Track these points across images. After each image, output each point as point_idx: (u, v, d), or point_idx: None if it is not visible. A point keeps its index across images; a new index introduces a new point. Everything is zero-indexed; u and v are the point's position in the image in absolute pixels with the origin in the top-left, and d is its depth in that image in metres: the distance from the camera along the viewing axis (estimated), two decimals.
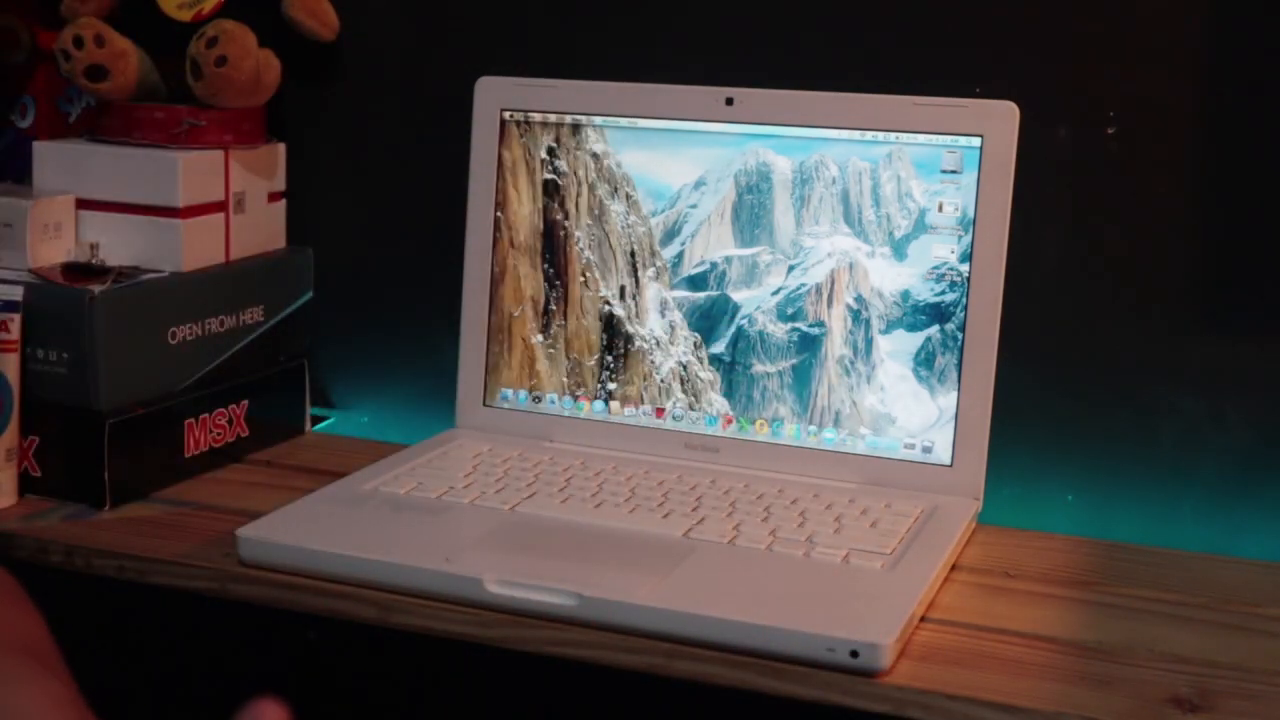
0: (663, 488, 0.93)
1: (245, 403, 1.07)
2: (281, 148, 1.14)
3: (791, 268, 0.98)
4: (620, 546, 0.84)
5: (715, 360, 0.99)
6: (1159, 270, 0.98)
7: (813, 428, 0.97)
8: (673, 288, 1.00)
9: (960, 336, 0.93)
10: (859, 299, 0.96)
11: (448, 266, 1.06)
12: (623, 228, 1.01)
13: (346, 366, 1.19)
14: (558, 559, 0.82)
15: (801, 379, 0.97)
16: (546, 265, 1.03)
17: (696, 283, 1.00)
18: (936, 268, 0.94)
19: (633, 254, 1.01)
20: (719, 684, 0.74)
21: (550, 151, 1.03)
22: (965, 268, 0.93)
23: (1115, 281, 0.99)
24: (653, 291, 1.01)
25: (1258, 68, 0.95)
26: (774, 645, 0.73)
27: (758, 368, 0.98)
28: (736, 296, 0.99)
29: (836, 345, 0.97)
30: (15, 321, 0.93)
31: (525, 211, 1.03)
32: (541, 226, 1.03)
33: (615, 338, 1.02)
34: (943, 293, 0.94)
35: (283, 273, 1.13)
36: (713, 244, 1.00)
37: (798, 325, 0.98)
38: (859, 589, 0.79)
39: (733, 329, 0.99)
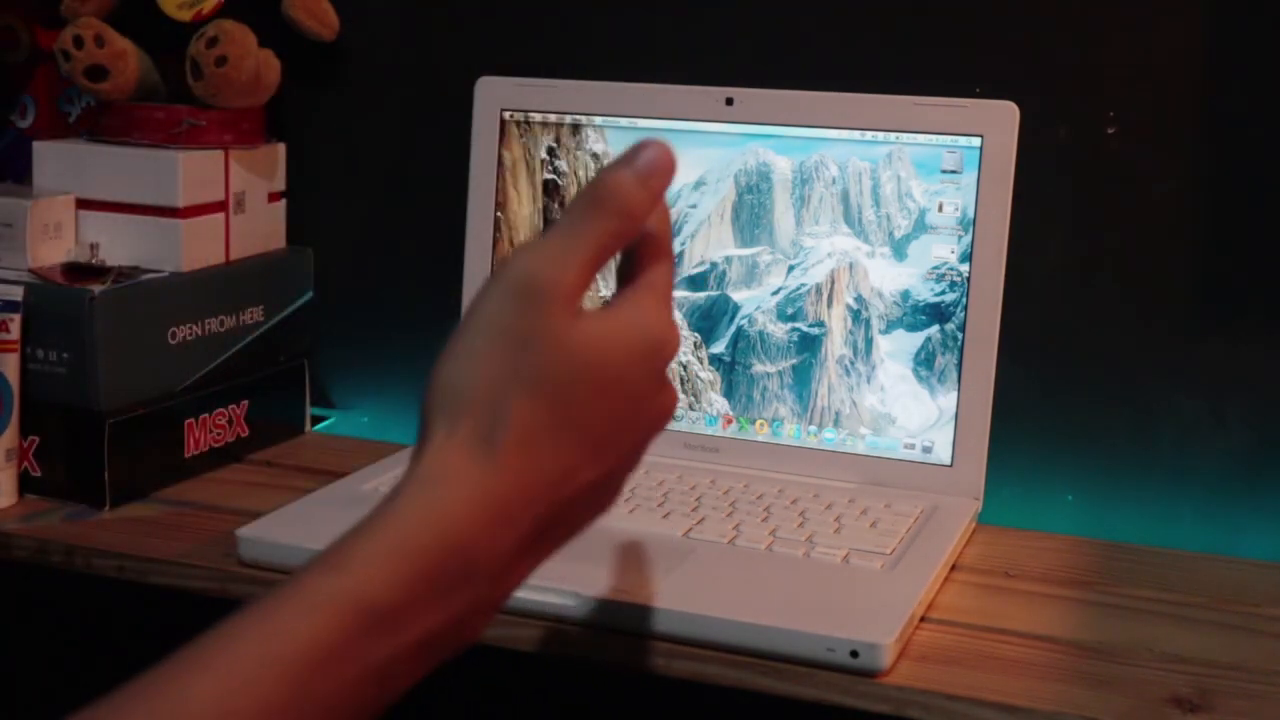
0: (663, 488, 0.93)
1: (245, 403, 1.07)
2: (281, 148, 1.14)
3: (791, 268, 0.98)
4: (620, 546, 0.84)
5: (715, 360, 0.99)
6: (1159, 270, 0.98)
7: (813, 428, 0.97)
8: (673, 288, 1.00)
9: (960, 336, 0.93)
10: (859, 299, 0.96)
11: (448, 266, 1.06)
12: None
13: (346, 366, 1.19)
14: (558, 559, 0.82)
15: (801, 379, 0.97)
16: None
17: (696, 283, 1.00)
18: (936, 268, 0.94)
19: None
20: (719, 684, 0.74)
21: (550, 151, 1.03)
22: (965, 268, 0.93)
23: (1115, 281, 0.99)
24: None
25: (1258, 68, 0.95)
26: (774, 645, 0.73)
27: (758, 368, 0.98)
28: (736, 296, 0.99)
29: (836, 345, 0.97)
30: (15, 321, 0.93)
31: (525, 211, 1.03)
32: (541, 226, 1.03)
33: None
34: (943, 293, 0.94)
35: (283, 273, 1.13)
36: (713, 244, 1.00)
37: (798, 325, 0.98)
38: (859, 589, 0.79)
39: (733, 329, 0.99)
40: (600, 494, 0.58)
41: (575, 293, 0.56)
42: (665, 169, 0.58)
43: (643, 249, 0.61)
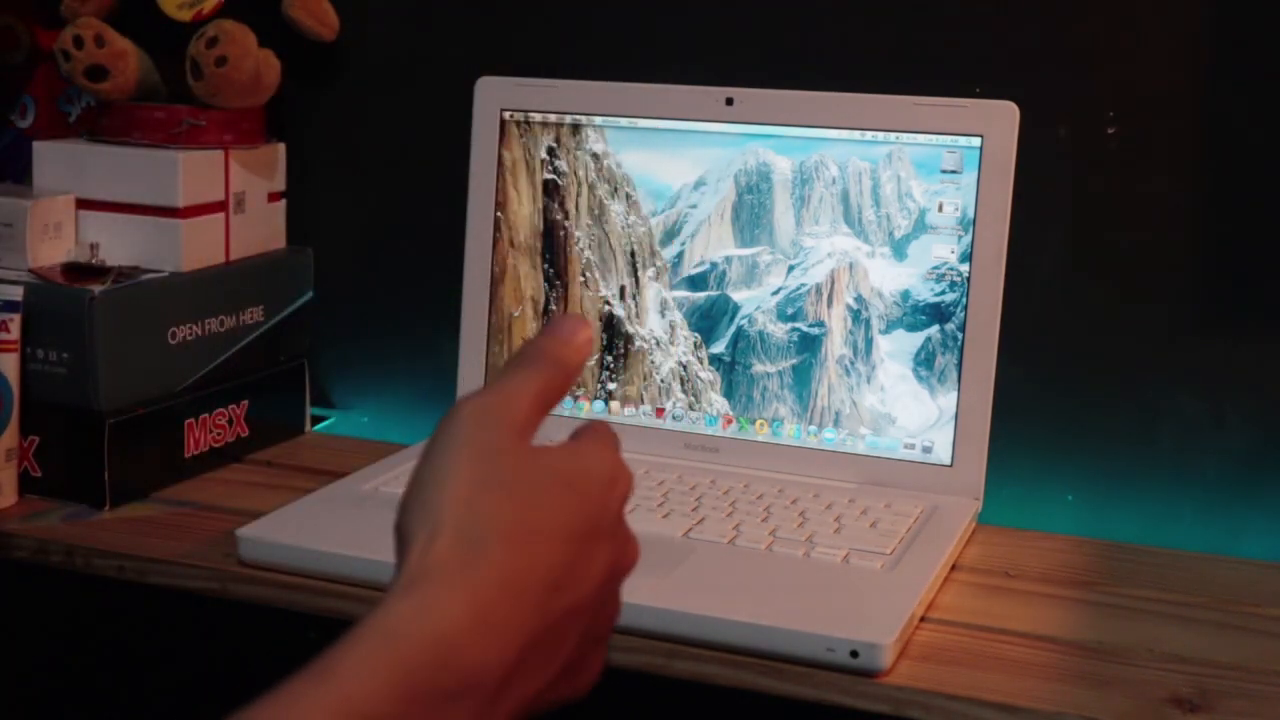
0: (663, 488, 0.93)
1: (245, 403, 1.07)
2: (281, 148, 1.14)
3: (791, 268, 0.98)
4: None
5: (715, 360, 0.99)
6: (1159, 270, 0.98)
7: (813, 428, 0.97)
8: (673, 288, 1.00)
9: (960, 336, 0.93)
10: (859, 299, 0.96)
11: (448, 266, 1.06)
12: (623, 228, 1.01)
13: (346, 366, 1.19)
14: None
15: (801, 379, 0.97)
16: (546, 265, 1.03)
17: (696, 283, 1.00)
18: (936, 268, 0.94)
19: (633, 254, 1.01)
20: (719, 684, 0.74)
21: (550, 151, 1.03)
22: (965, 268, 0.93)
23: (1115, 281, 0.99)
24: (653, 291, 1.01)
25: (1258, 67, 0.95)
26: (774, 645, 0.74)
27: (758, 368, 0.98)
28: (736, 296, 0.99)
29: (836, 345, 0.97)
30: (15, 321, 0.93)
31: (525, 211, 1.03)
32: (541, 226, 1.03)
33: (615, 338, 1.02)
34: (943, 293, 0.94)
35: (283, 273, 1.13)
36: (713, 244, 1.00)
37: (798, 325, 0.98)
38: (859, 589, 0.79)
39: (733, 329, 0.99)
40: (584, 632, 0.57)
41: (528, 425, 0.57)
42: (579, 328, 0.61)
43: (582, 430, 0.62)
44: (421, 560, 0.52)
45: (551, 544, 0.54)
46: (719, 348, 0.99)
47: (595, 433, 0.61)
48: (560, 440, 0.59)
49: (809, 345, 0.97)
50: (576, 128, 1.02)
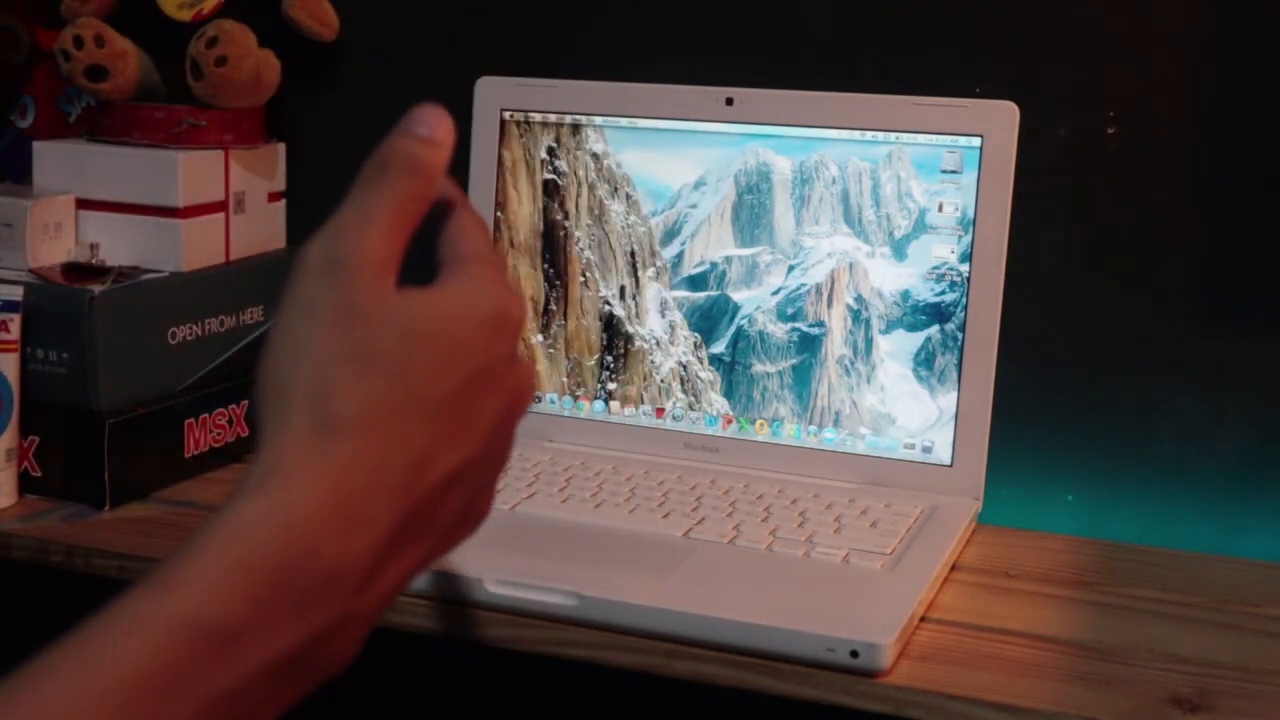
0: (663, 488, 0.93)
1: (245, 403, 1.07)
2: (281, 148, 1.14)
3: (791, 268, 0.98)
4: (620, 546, 0.84)
5: (715, 360, 0.99)
6: (1159, 270, 0.98)
7: (813, 428, 0.97)
8: (673, 288, 1.00)
9: (960, 336, 0.93)
10: (859, 299, 0.96)
11: None
12: (623, 228, 1.01)
13: None
14: (558, 559, 0.82)
15: (801, 379, 0.97)
16: (546, 265, 1.03)
17: (696, 283, 1.00)
18: (936, 268, 0.94)
19: (633, 254, 1.01)
20: (719, 684, 0.74)
21: (550, 151, 1.03)
22: (965, 268, 0.93)
23: (1115, 281, 0.99)
24: (653, 291, 1.01)
25: (1258, 67, 0.95)
26: (774, 645, 0.74)
27: (758, 368, 0.98)
28: (736, 296, 0.99)
29: (836, 345, 0.97)
30: (15, 321, 0.93)
31: (525, 211, 1.03)
32: (541, 226, 1.03)
33: (615, 338, 1.02)
34: (943, 293, 0.94)
35: (283, 273, 1.11)
36: (713, 244, 1.00)
37: (798, 325, 0.98)
38: (859, 589, 0.79)
39: (733, 329, 0.99)
40: (468, 488, 0.51)
41: (384, 262, 0.51)
42: (440, 119, 0.55)
43: (455, 222, 0.56)
44: (271, 452, 0.46)
45: (419, 416, 0.48)
46: (719, 348, 0.99)
47: (470, 254, 0.53)
48: (434, 282, 0.51)
49: (809, 345, 0.97)
50: (576, 128, 1.02)
